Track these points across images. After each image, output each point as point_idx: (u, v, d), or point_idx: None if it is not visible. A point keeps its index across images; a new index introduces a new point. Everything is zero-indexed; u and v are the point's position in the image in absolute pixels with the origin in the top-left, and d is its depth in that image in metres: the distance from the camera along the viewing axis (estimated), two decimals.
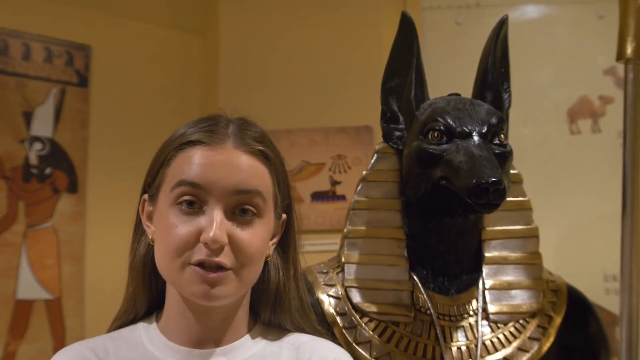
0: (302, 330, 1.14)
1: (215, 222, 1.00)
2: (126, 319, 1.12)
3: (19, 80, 2.72)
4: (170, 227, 1.02)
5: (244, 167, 1.04)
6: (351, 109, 2.83)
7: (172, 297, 1.08)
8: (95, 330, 1.14)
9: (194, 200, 1.02)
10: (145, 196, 1.11)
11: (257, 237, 1.04)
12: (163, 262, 1.04)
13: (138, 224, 1.13)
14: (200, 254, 1.00)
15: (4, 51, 2.69)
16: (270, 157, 1.08)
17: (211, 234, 0.99)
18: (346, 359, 1.14)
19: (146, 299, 1.11)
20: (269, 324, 1.14)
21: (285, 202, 1.13)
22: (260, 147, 1.07)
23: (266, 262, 1.10)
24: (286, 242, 1.15)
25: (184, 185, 1.02)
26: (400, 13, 1.40)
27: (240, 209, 1.03)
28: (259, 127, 1.11)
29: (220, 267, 1.00)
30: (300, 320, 1.14)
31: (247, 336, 1.10)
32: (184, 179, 1.02)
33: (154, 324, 1.10)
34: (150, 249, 1.09)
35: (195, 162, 1.03)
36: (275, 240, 1.12)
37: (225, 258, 1.00)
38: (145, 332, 1.09)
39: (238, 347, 1.08)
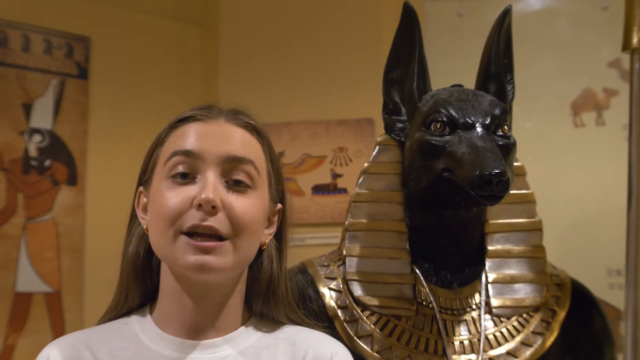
0: (294, 322, 1.14)
1: (209, 184, 1.00)
2: (118, 312, 1.11)
3: (18, 72, 2.71)
4: (162, 199, 1.02)
5: (237, 137, 1.06)
6: (352, 101, 2.82)
7: (167, 283, 1.07)
8: (95, 323, 1.13)
9: (188, 171, 1.02)
10: (141, 188, 1.11)
11: (252, 206, 1.04)
12: (157, 237, 1.03)
13: (133, 217, 1.13)
14: (192, 219, 0.99)
15: (4, 42, 2.69)
16: (262, 134, 1.11)
17: (204, 195, 0.99)
18: (343, 353, 1.13)
19: (139, 291, 1.10)
20: (262, 315, 1.13)
21: (280, 188, 1.13)
22: (253, 122, 1.10)
23: (260, 252, 1.10)
24: (281, 234, 1.14)
25: (178, 155, 1.03)
26: (402, 4, 1.38)
27: (234, 180, 1.03)
28: (253, 115, 1.13)
29: (214, 236, 1.00)
30: (291, 313, 1.14)
31: (243, 327, 1.10)
32: (177, 149, 1.04)
33: (148, 315, 1.09)
34: (143, 240, 1.09)
35: (188, 135, 1.05)
36: (272, 230, 1.12)
37: (219, 223, 1.00)
38: (138, 324, 1.08)
39: (233, 338, 1.07)
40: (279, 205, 1.13)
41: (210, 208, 0.99)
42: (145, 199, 1.09)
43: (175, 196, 1.01)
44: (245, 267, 1.09)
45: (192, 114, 1.08)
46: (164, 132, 1.09)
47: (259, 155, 1.08)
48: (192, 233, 1.00)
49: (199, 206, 0.99)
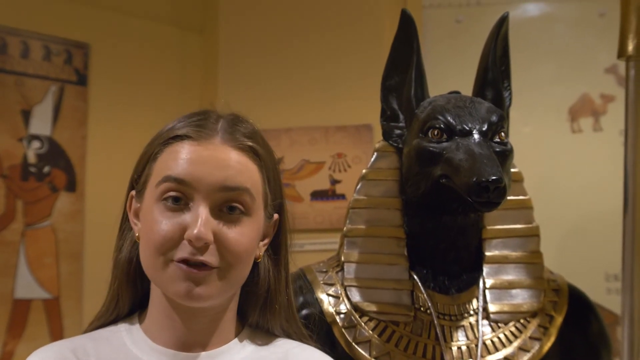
0: (288, 335, 1.12)
1: (200, 219, 0.97)
2: (107, 318, 1.09)
3: (17, 79, 2.71)
4: (154, 223, 0.99)
5: (232, 163, 1.01)
6: (351, 107, 2.82)
7: (156, 297, 1.05)
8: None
9: (180, 196, 0.99)
10: (133, 192, 1.08)
11: (245, 236, 1.01)
12: (146, 259, 1.01)
13: (124, 220, 1.10)
14: (183, 251, 0.97)
15: (3, 49, 2.69)
16: (260, 154, 1.06)
17: (195, 231, 0.96)
18: None
19: (129, 298, 1.08)
20: (257, 327, 1.11)
21: (277, 202, 1.10)
22: (250, 143, 1.05)
23: (256, 264, 1.08)
24: (278, 243, 1.11)
25: (170, 182, 0.99)
26: (400, 11, 1.39)
27: (228, 206, 1.00)
28: (251, 123, 1.09)
29: (204, 265, 0.98)
30: (287, 324, 1.12)
31: (235, 340, 1.08)
32: (169, 174, 1.00)
33: (137, 324, 1.07)
34: (135, 246, 1.06)
35: (181, 158, 1.01)
36: (266, 241, 1.09)
37: (211, 257, 0.98)
38: (127, 334, 1.06)
39: (225, 351, 1.06)
40: (275, 217, 1.10)
41: (201, 244, 0.97)
42: (137, 204, 1.06)
43: (166, 223, 0.98)
44: (238, 288, 1.07)
45: (186, 132, 1.03)
46: (156, 146, 1.05)
47: (255, 181, 1.04)
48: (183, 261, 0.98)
49: (190, 241, 0.97)
